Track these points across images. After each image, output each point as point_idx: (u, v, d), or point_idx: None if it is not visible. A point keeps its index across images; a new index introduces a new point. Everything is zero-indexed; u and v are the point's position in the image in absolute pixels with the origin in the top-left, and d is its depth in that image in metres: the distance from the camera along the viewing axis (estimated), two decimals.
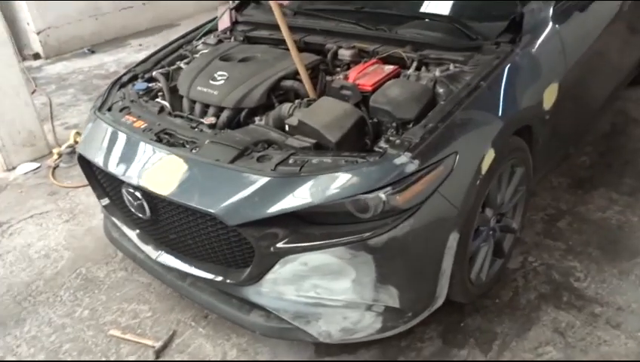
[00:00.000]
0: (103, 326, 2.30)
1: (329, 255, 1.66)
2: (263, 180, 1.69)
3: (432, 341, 2.10)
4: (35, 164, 3.75)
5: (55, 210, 3.21)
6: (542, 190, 2.90)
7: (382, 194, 1.63)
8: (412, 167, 1.66)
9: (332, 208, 1.66)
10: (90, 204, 3.19)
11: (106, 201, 2.34)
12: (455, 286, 1.96)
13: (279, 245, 1.67)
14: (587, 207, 2.78)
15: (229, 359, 2.10)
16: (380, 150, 1.76)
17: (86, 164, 2.27)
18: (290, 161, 1.74)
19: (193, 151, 1.87)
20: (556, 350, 2.01)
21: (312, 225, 1.70)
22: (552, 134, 2.34)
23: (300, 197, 1.64)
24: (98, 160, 2.07)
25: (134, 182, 1.89)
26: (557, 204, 2.82)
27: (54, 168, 3.66)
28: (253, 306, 1.91)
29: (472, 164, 1.80)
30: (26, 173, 3.67)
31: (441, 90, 2.00)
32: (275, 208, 1.65)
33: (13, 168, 3.73)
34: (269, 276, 1.75)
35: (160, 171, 1.86)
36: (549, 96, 2.19)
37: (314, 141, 1.85)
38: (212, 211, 1.69)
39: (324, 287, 1.75)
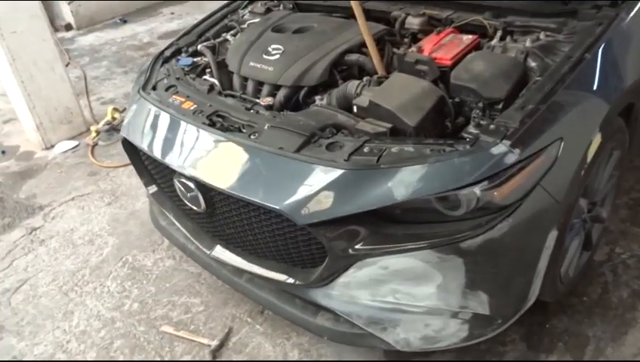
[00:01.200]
0: (154, 321, 2.17)
1: (414, 258, 1.45)
2: (335, 173, 1.47)
3: (515, 344, 1.89)
4: (74, 142, 3.62)
5: (96, 192, 3.08)
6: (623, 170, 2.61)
7: (477, 190, 1.40)
8: (512, 158, 1.41)
9: (417, 205, 1.44)
10: (133, 185, 3.05)
11: (153, 189, 2.17)
12: (545, 286, 1.73)
13: (357, 247, 1.47)
14: None
15: (290, 359, 1.94)
16: (470, 136, 1.52)
17: (131, 149, 2.09)
18: (365, 149, 1.52)
19: (252, 137, 1.66)
20: None
21: (394, 225, 1.49)
22: None
23: (380, 193, 1.42)
24: (145, 145, 1.88)
25: (188, 172, 1.70)
26: None
27: (93, 147, 3.52)
28: (320, 308, 1.73)
29: (577, 152, 1.55)
30: (64, 152, 3.55)
31: (533, 64, 1.73)
32: (351, 206, 1.44)
33: (52, 146, 3.61)
34: (342, 279, 1.56)
35: (217, 160, 1.66)
36: None
37: (390, 125, 1.62)
38: (278, 208, 1.49)
39: (404, 293, 1.55)
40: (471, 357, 1.85)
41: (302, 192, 1.49)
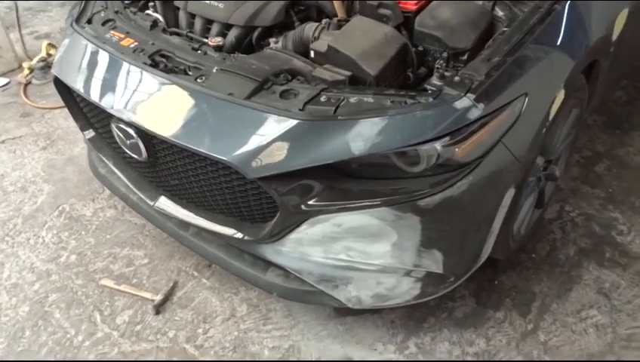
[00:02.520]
0: (94, 274, 2.04)
1: (369, 216, 1.39)
2: (289, 123, 1.36)
3: (465, 300, 1.90)
4: (4, 80, 3.31)
5: (30, 135, 2.84)
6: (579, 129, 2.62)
7: (438, 146, 1.33)
8: (476, 113, 1.34)
9: (375, 160, 1.36)
10: (71, 128, 2.83)
11: (90, 134, 1.99)
12: (498, 245, 1.72)
13: (310, 203, 1.39)
14: (626, 150, 2.52)
15: (238, 314, 1.88)
16: (434, 88, 1.44)
17: (64, 89, 1.89)
18: (322, 98, 1.41)
19: (199, 80, 1.52)
20: (601, 314, 1.83)
21: (350, 180, 1.40)
22: (610, 70, 2.02)
23: (336, 146, 1.33)
24: (79, 86, 1.69)
25: (127, 117, 1.54)
26: (593, 145, 2.56)
27: (26, 85, 3.23)
28: (270, 264, 1.65)
29: (541, 108, 1.50)
30: None
31: (501, 14, 1.65)
32: (305, 159, 1.34)
33: None
34: (293, 235, 1.48)
35: (159, 105, 1.51)
36: (619, 25, 1.85)
37: (349, 73, 1.51)
38: (226, 159, 1.37)
39: (358, 250, 1.49)
40: (421, 314, 1.85)
41: (252, 143, 1.37)
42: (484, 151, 1.39)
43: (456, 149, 1.34)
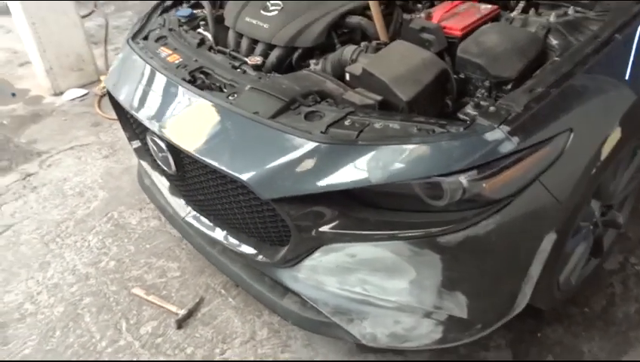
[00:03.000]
0: (128, 281, 2.09)
1: (384, 249, 1.30)
2: (308, 145, 1.31)
3: (500, 351, 1.73)
4: (83, 91, 3.55)
5: (96, 143, 3.01)
6: None
7: (463, 179, 1.22)
8: (509, 146, 1.23)
9: (396, 190, 1.28)
10: None
11: (137, 144, 2.07)
12: (539, 293, 1.55)
13: (322, 229, 1.33)
14: None
15: (257, 338, 1.83)
16: (467, 118, 1.34)
17: (116, 101, 1.98)
18: (347, 122, 1.35)
19: (230, 98, 1.52)
20: None
21: (367, 209, 1.33)
22: None
23: (354, 172, 1.26)
24: (122, 97, 1.76)
25: (158, 129, 1.57)
26: None
27: (101, 97, 3.44)
28: (288, 290, 1.60)
29: (589, 147, 1.35)
30: (72, 100, 3.48)
31: (555, 42, 1.52)
32: (321, 183, 1.28)
33: (61, 93, 3.55)
34: (308, 262, 1.42)
35: (188, 120, 1.52)
36: None
37: (379, 98, 1.45)
38: (242, 178, 1.35)
39: (373, 284, 1.40)
40: (449, 359, 1.71)
41: (269, 163, 1.34)
42: (518, 189, 1.26)
43: (484, 185, 1.23)
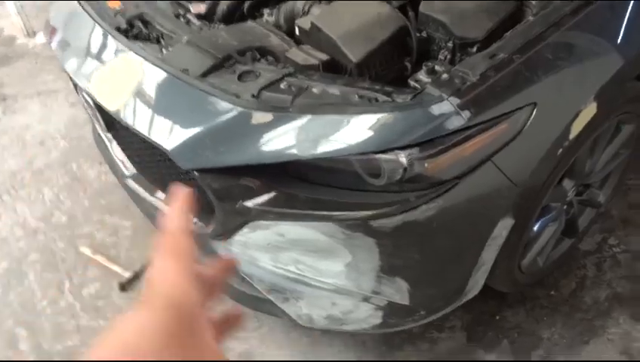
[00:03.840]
0: (77, 238, 2.00)
1: (314, 230, 1.17)
2: (234, 111, 1.16)
3: (454, 333, 1.64)
4: None
5: (64, 90, 2.84)
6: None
7: (402, 157, 1.07)
8: (458, 122, 1.07)
9: (332, 165, 1.14)
10: None
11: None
12: (496, 276, 1.44)
13: (246, 204, 1.19)
14: None
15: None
16: (416, 85, 1.17)
17: None
18: (283, 85, 1.19)
19: (164, 51, 1.36)
20: None
21: (299, 184, 1.19)
22: None
23: (283, 143, 1.12)
24: (55, 44, 1.60)
25: (82, 84, 1.42)
26: None
27: None
28: None
29: (555, 124, 1.18)
30: (45, 42, 3.30)
31: (534, 1, 1.32)
32: (243, 155, 1.14)
33: (34, 34, 3.37)
34: (238, 238, 1.30)
35: (112, 75, 1.37)
36: None
37: (325, 58, 1.28)
38: (163, 145, 1.21)
39: (308, 265, 1.28)
40: (399, 340, 1.62)
41: (191, 129, 1.19)
42: (466, 170, 1.11)
43: (427, 164, 1.08)
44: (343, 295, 1.32)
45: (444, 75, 1.13)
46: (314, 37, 1.34)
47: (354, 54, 1.27)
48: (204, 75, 1.25)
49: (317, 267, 1.28)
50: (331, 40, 1.30)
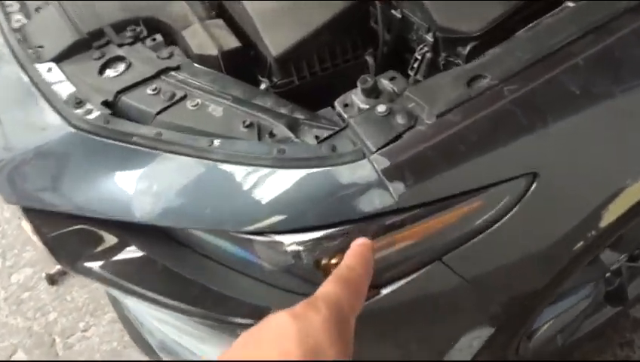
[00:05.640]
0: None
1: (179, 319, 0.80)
2: (65, 129, 0.75)
3: None
4: None
5: None
6: None
7: (292, 246, 0.65)
8: (382, 200, 0.62)
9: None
10: None
11: None
12: None
13: (87, 265, 0.82)
14: None
15: None
16: (341, 113, 0.71)
17: None
18: (152, 88, 0.77)
19: (19, 18, 0.96)
20: None
21: (178, 250, 0.79)
22: None
23: (121, 193, 0.72)
24: None
25: None
26: None
27: None
28: None
29: (575, 206, 0.69)
30: None
31: None
32: (70, 201, 0.75)
33: None
34: None
35: None
36: None
37: (231, 46, 0.85)
38: None
39: (189, 345, 0.93)
40: None
41: (17, 149, 0.82)
42: (394, 274, 0.67)
43: (324, 261, 0.65)
44: None
45: (380, 108, 0.66)
46: (238, 15, 0.90)
47: (274, 45, 0.82)
48: (58, 59, 0.86)
49: (202, 348, 0.92)
50: (251, 20, 0.85)
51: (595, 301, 1.13)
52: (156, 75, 0.80)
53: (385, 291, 0.67)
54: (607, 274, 1.06)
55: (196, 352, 0.95)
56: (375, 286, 0.68)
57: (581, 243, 0.71)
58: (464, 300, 0.73)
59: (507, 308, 0.77)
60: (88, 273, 0.82)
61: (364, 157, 0.63)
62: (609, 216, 0.69)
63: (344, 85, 0.73)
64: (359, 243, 0.51)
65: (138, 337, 1.14)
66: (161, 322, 0.97)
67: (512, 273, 0.71)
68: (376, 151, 0.62)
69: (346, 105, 0.71)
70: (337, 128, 0.67)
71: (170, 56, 0.83)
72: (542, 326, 1.09)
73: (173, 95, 0.76)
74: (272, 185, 0.64)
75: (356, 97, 0.71)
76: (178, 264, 0.76)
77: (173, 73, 0.80)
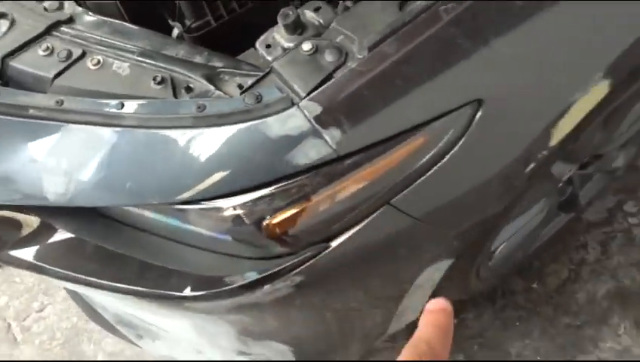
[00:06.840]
0: None
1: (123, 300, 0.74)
2: None
3: (396, 342, 1.26)
4: None
5: None
6: None
7: (230, 210, 0.59)
8: (319, 150, 0.56)
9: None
10: None
11: None
12: (444, 291, 1.01)
13: (13, 254, 0.75)
14: None
15: None
16: (265, 55, 0.64)
17: None
18: (42, 48, 0.67)
19: None
20: None
21: (109, 226, 0.72)
22: None
23: (24, 175, 0.64)
24: None
25: None
26: None
27: None
28: None
29: (523, 129, 0.65)
30: None
31: None
32: None
33: None
34: None
35: None
36: None
37: None
38: None
39: (148, 320, 0.88)
40: None
41: None
42: (339, 228, 0.63)
43: (265, 222, 0.60)
44: (206, 349, 0.93)
45: (306, 45, 0.58)
46: None
47: None
48: None
49: (157, 323, 0.88)
50: None
51: (550, 213, 1.13)
52: (46, 32, 0.69)
53: (335, 243, 0.63)
54: (559, 185, 1.05)
55: (152, 323, 0.91)
56: (325, 240, 0.64)
57: (533, 164, 0.68)
58: (420, 238, 0.71)
59: (464, 238, 0.75)
60: (17, 263, 0.75)
61: (293, 105, 0.56)
62: (559, 134, 0.66)
63: (268, 21, 0.65)
64: (436, 309, 0.39)
65: (93, 313, 1.09)
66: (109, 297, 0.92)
67: (464, 205, 0.67)
68: (306, 96, 0.56)
69: (268, 46, 0.63)
70: (261, 74, 0.60)
71: (60, 7, 0.72)
72: (500, 246, 1.09)
73: (70, 54, 0.67)
74: (195, 148, 0.58)
75: (279, 35, 0.63)
76: (112, 241, 0.70)
77: (65, 28, 0.70)
